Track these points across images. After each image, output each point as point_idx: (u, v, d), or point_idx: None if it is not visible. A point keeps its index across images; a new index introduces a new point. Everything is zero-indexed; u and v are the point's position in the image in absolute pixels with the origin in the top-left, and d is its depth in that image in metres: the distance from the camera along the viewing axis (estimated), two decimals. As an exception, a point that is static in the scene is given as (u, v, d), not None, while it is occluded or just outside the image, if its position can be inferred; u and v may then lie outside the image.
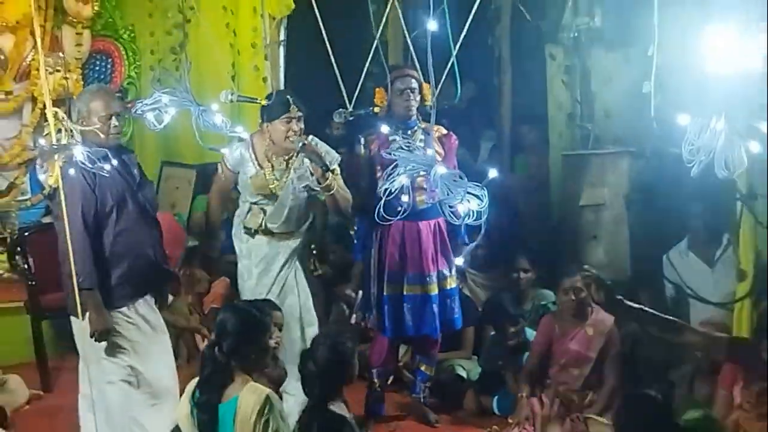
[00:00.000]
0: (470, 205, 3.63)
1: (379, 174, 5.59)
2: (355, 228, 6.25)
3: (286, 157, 5.31)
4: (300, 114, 5.20)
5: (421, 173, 3.93)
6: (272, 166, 5.29)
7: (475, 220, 3.68)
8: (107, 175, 4.74)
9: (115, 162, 4.78)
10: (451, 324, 5.76)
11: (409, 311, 5.64)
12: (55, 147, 4.48)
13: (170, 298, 6.73)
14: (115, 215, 4.84)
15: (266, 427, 3.67)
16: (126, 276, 4.88)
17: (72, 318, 4.91)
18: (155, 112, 4.95)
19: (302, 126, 5.22)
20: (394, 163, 3.93)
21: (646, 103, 6.01)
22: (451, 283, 5.74)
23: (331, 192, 5.20)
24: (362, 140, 5.66)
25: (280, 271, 5.33)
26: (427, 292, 5.62)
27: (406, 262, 5.62)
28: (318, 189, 5.25)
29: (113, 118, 4.86)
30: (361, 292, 6.15)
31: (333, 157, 5.33)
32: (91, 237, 4.73)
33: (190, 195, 8.64)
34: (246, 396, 3.72)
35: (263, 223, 5.31)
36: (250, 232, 5.36)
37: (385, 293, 5.65)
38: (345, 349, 4.14)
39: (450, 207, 3.69)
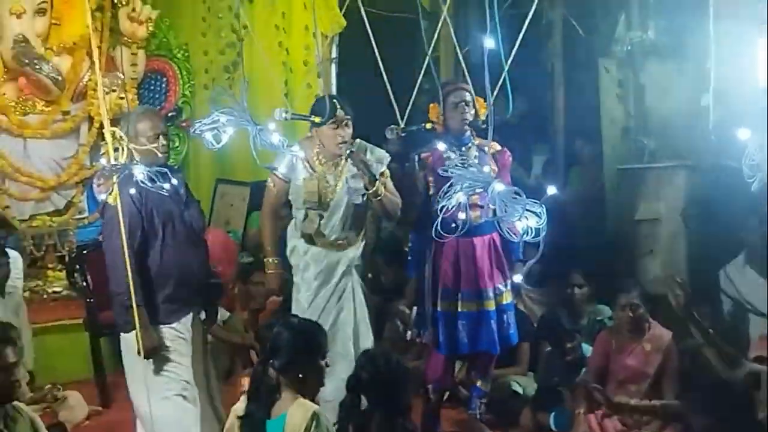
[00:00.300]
0: (528, 222, 3.60)
1: (432, 191, 5.58)
2: (409, 244, 6.24)
3: (336, 162, 5.31)
4: (348, 117, 5.19)
5: (477, 190, 3.91)
6: (324, 171, 5.29)
7: (533, 238, 3.65)
8: (165, 194, 4.80)
9: (175, 181, 4.85)
10: (506, 339, 5.72)
11: (465, 327, 5.61)
12: (116, 167, 4.54)
13: (226, 314, 6.82)
14: (161, 234, 4.89)
15: None
16: (173, 293, 4.92)
17: (121, 335, 4.97)
18: (213, 131, 4.99)
19: (350, 130, 5.21)
20: (451, 181, 3.92)
21: (703, 117, 5.97)
22: (507, 299, 5.70)
23: (379, 197, 5.20)
24: (416, 157, 5.65)
25: (339, 281, 5.32)
26: (483, 308, 5.59)
27: (461, 279, 5.60)
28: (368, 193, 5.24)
29: (160, 137, 4.94)
30: (415, 309, 6.14)
31: (382, 157, 5.33)
32: (138, 255, 4.78)
33: (245, 212, 8.71)
34: (294, 412, 3.72)
35: (320, 229, 5.30)
36: (309, 239, 5.33)
37: (439, 309, 5.62)
38: (395, 366, 4.13)
39: (508, 224, 3.67)
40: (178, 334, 4.96)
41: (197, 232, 5.13)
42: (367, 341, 5.36)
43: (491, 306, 5.60)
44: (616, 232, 7.38)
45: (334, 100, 5.22)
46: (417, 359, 6.36)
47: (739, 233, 6.17)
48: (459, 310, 5.59)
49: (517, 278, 5.59)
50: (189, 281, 4.98)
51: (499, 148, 5.74)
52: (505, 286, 5.67)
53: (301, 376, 3.80)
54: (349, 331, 5.31)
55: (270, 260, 5.44)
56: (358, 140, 5.28)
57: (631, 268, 6.78)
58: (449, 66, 8.76)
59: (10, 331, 4.41)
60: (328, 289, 5.30)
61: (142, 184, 4.68)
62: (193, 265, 5.03)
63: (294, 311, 5.30)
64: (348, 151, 5.14)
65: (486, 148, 5.66)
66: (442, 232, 4.11)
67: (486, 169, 4.26)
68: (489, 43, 3.82)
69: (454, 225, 4.20)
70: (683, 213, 6.77)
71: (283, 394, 3.79)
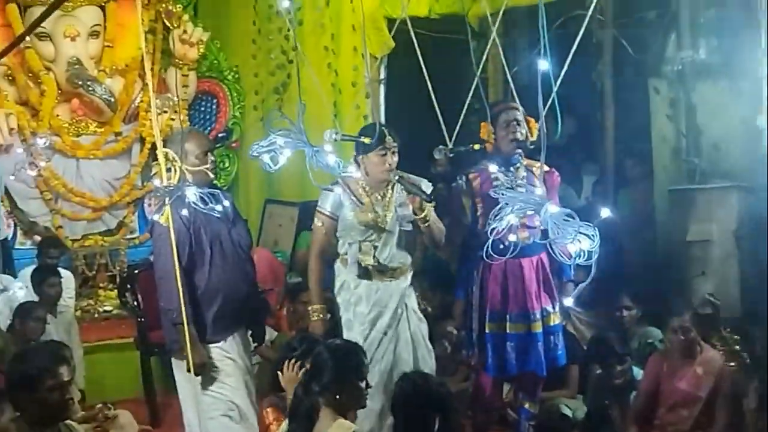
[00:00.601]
0: (581, 244, 3.57)
1: (480, 212, 5.57)
2: (456, 265, 6.22)
3: (384, 190, 5.28)
4: (395, 145, 5.16)
5: (529, 212, 3.89)
6: (371, 202, 5.25)
7: (585, 260, 3.62)
8: (217, 216, 4.85)
9: (227, 203, 4.89)
10: (554, 361, 5.68)
11: (513, 349, 5.58)
12: (169, 188, 4.59)
13: (274, 334, 6.84)
14: (209, 252, 4.94)
15: None
16: (221, 311, 4.97)
17: (173, 360, 5.01)
18: (271, 153, 5.03)
19: (396, 158, 5.18)
20: (503, 203, 3.90)
21: (756, 137, 5.89)
22: (555, 320, 5.67)
23: (428, 223, 5.17)
24: (463, 177, 5.63)
25: (393, 313, 5.25)
26: (531, 330, 5.56)
27: (509, 300, 5.57)
28: (416, 219, 5.19)
29: (209, 154, 5.00)
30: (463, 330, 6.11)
31: (427, 188, 5.28)
32: (186, 274, 4.81)
33: (293, 232, 8.74)
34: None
35: (376, 259, 5.25)
36: (365, 273, 5.26)
37: (487, 331, 5.61)
38: (435, 389, 4.10)
39: (561, 247, 3.64)
40: (225, 354, 5.00)
41: (245, 251, 5.17)
42: (427, 368, 5.28)
43: (538, 328, 5.57)
44: (667, 254, 7.29)
45: (382, 127, 5.19)
46: (465, 381, 6.32)
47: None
48: (507, 331, 5.57)
49: (568, 302, 5.54)
50: (236, 299, 5.02)
51: (547, 168, 5.70)
52: (553, 307, 5.63)
53: (338, 397, 3.80)
54: (409, 360, 5.25)
55: (316, 307, 5.31)
56: (400, 171, 5.23)
57: (682, 290, 6.68)
58: (498, 86, 8.75)
59: (63, 350, 4.46)
60: (383, 322, 5.23)
61: (194, 206, 4.73)
62: (241, 284, 5.07)
63: None
64: (397, 177, 5.12)
65: (534, 169, 5.64)
66: (492, 253, 4.09)
67: (538, 191, 4.23)
68: (542, 64, 3.80)
69: (502, 246, 4.19)
70: (736, 234, 6.67)
71: (323, 415, 3.79)
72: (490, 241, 3.92)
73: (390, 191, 5.28)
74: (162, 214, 4.65)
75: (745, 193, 6.73)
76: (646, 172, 7.87)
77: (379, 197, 5.26)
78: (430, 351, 5.38)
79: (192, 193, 4.66)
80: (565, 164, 7.89)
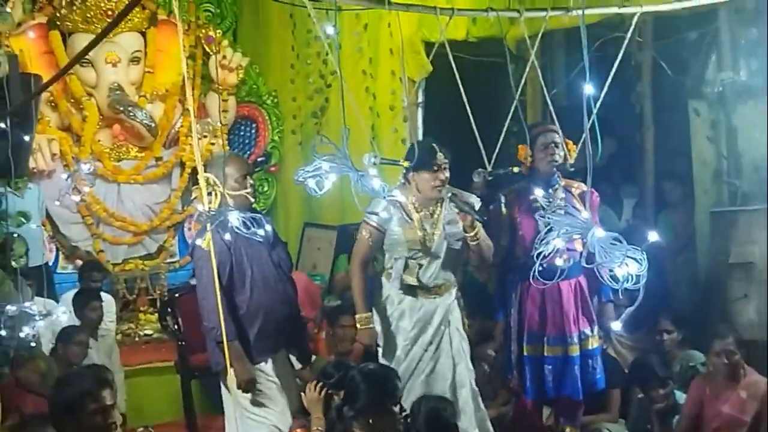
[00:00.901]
0: (629, 268, 3.55)
1: (519, 233, 5.55)
2: (494, 287, 6.20)
3: (433, 207, 5.27)
4: (446, 162, 5.16)
5: (575, 236, 3.87)
6: (420, 219, 5.24)
7: (634, 284, 3.60)
8: (258, 239, 4.87)
9: (269, 227, 4.92)
10: (593, 385, 5.63)
11: (551, 372, 5.55)
12: (212, 213, 4.62)
13: (313, 357, 6.84)
14: (250, 273, 4.96)
15: None
16: (262, 332, 4.99)
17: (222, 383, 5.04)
18: (317, 178, 5.05)
19: (448, 174, 5.17)
20: (549, 227, 3.88)
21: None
22: (593, 343, 5.63)
23: (478, 240, 5.15)
24: (502, 199, 5.62)
25: (436, 329, 5.25)
26: (569, 353, 5.53)
27: (547, 323, 5.55)
28: (466, 237, 5.17)
29: (248, 178, 5.04)
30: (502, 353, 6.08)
31: (474, 202, 5.27)
32: (227, 294, 4.84)
33: (332, 255, 8.76)
34: None
35: (420, 278, 5.24)
36: (409, 290, 5.27)
37: (525, 354, 5.59)
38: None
39: (609, 271, 3.62)
40: (266, 377, 5.01)
41: (285, 273, 5.19)
42: (465, 388, 5.26)
43: (576, 351, 5.54)
44: (708, 277, 7.22)
45: (433, 145, 5.18)
46: (505, 404, 6.28)
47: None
48: (545, 354, 5.54)
49: (616, 326, 5.48)
50: (277, 320, 5.03)
51: (585, 188, 5.68)
52: (591, 331, 5.60)
53: (372, 422, 3.79)
54: (448, 376, 5.23)
55: (363, 316, 5.31)
56: (450, 187, 5.22)
57: (725, 314, 6.60)
58: (536, 109, 8.73)
59: (105, 373, 4.49)
60: (425, 338, 5.23)
61: (237, 231, 4.74)
62: (281, 305, 5.08)
63: (388, 361, 5.23)
64: (449, 194, 5.11)
65: (573, 189, 5.62)
66: (539, 278, 4.07)
67: (584, 214, 4.20)
68: (588, 89, 3.78)
69: (541, 269, 4.16)
70: (777, 257, 6.60)
71: None
72: (536, 265, 3.90)
73: (439, 208, 5.27)
74: (204, 239, 4.68)
75: (787, 215, 6.66)
76: (686, 194, 7.81)
77: (428, 214, 5.26)
78: (470, 370, 5.35)
79: (235, 218, 4.68)
80: (605, 186, 7.87)
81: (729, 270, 6.80)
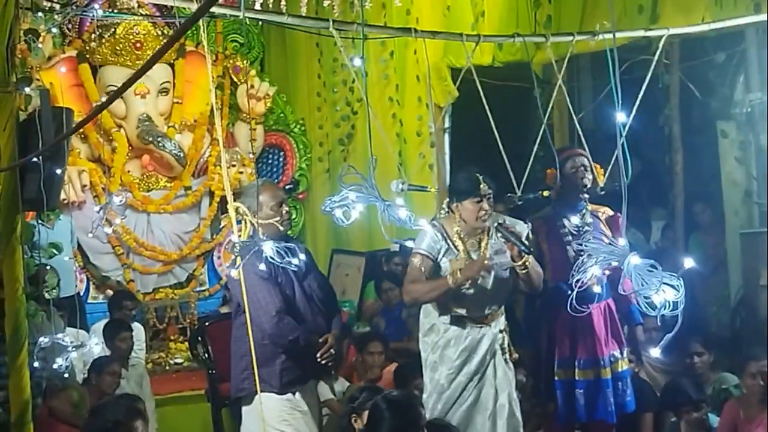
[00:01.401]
0: (666, 295, 3.53)
1: (547, 258, 5.53)
2: (522, 314, 6.17)
3: (479, 237, 5.16)
4: (490, 192, 5.06)
5: (613, 263, 3.85)
6: (467, 249, 5.13)
7: (671, 311, 3.58)
8: (294, 269, 4.87)
9: (302, 256, 4.89)
10: (623, 407, 5.58)
11: (582, 396, 5.51)
12: (246, 243, 4.63)
13: (345, 384, 6.83)
14: (282, 302, 4.95)
15: None
16: (289, 362, 4.96)
17: (243, 408, 5.03)
18: (344, 209, 5.05)
19: (492, 203, 5.08)
20: (586, 254, 3.87)
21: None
22: (623, 366, 5.59)
23: (527, 269, 5.04)
24: (529, 224, 5.59)
25: (482, 358, 5.13)
26: (600, 376, 5.49)
27: (578, 346, 5.51)
28: (514, 266, 5.07)
29: (283, 205, 5.06)
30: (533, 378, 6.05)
31: (522, 229, 5.16)
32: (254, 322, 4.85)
33: (360, 281, 8.76)
34: None
35: (468, 308, 5.13)
36: (458, 321, 5.15)
37: (556, 378, 5.55)
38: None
39: (646, 298, 3.60)
40: (294, 406, 4.99)
41: (317, 303, 5.15)
42: (507, 414, 5.16)
43: (608, 374, 5.50)
44: (741, 299, 7.18)
45: (477, 174, 5.07)
46: (537, 430, 6.24)
47: None
48: (576, 378, 5.51)
49: (655, 353, 5.42)
50: (307, 352, 5.02)
51: (611, 213, 5.66)
52: (621, 353, 5.57)
53: None
54: (489, 408, 5.12)
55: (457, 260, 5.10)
56: (497, 214, 5.16)
57: (758, 335, 6.53)
58: (563, 133, 8.74)
59: (137, 403, 4.53)
60: (470, 367, 5.11)
61: (271, 260, 4.74)
62: (312, 336, 5.06)
63: (430, 390, 5.15)
64: (496, 224, 5.02)
65: (599, 214, 5.61)
66: (576, 305, 4.05)
67: (622, 242, 4.17)
68: (620, 116, 3.77)
69: (569, 293, 4.14)
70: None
71: None
72: (574, 293, 3.88)
73: (486, 238, 5.15)
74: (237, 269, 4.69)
75: (817, 235, 6.62)
76: (716, 216, 7.78)
77: (475, 243, 5.14)
78: (514, 400, 5.23)
79: (269, 248, 4.68)
80: (634, 208, 7.84)
81: (761, 291, 6.76)
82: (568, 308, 4.01)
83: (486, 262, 4.96)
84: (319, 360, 5.08)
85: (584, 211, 5.60)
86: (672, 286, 3.41)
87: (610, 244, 3.69)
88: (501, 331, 5.23)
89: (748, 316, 6.95)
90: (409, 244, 5.20)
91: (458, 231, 5.14)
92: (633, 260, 3.49)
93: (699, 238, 8.16)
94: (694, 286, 7.73)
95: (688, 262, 3.53)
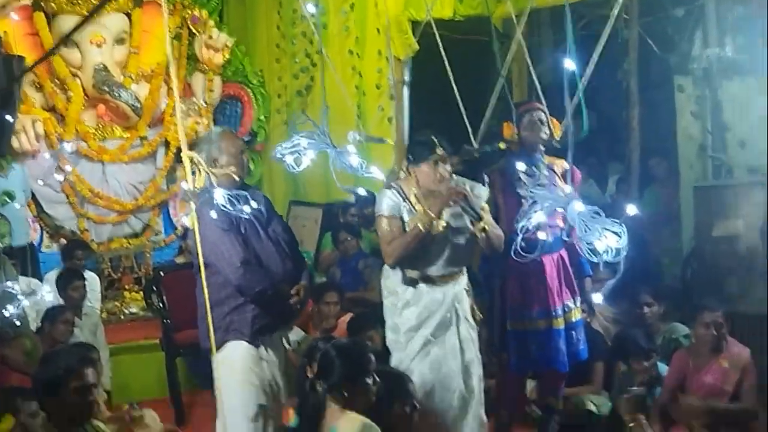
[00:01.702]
0: (608, 241, 3.56)
1: (502, 210, 5.54)
2: (479, 265, 6.18)
3: (436, 201, 4.99)
4: (446, 155, 4.96)
5: (559, 209, 3.87)
6: (425, 210, 4.98)
7: (613, 258, 3.61)
8: (246, 216, 4.85)
9: (254, 203, 4.84)
10: (576, 356, 5.63)
11: (535, 346, 5.54)
12: (198, 192, 4.60)
13: (301, 334, 6.85)
14: (247, 252, 4.92)
15: None
16: (260, 311, 4.89)
17: (214, 358, 5.01)
18: (294, 155, 5.01)
19: (449, 167, 4.98)
20: (531, 201, 3.88)
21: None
22: (576, 315, 5.63)
23: (486, 232, 4.97)
24: (485, 177, 5.58)
25: (442, 318, 5.07)
26: (553, 326, 5.52)
27: (531, 297, 5.54)
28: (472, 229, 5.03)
29: (243, 154, 5.01)
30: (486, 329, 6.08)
31: (481, 192, 5.14)
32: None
33: (317, 233, 8.76)
34: (344, 426, 3.72)
35: (424, 270, 5.05)
36: (411, 282, 5.07)
37: (509, 329, 5.59)
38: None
39: (588, 244, 3.62)
40: (260, 355, 4.95)
41: (284, 248, 5.11)
42: (475, 376, 5.18)
43: (560, 324, 5.53)
44: (692, 250, 7.26)
45: (433, 138, 4.98)
46: (490, 379, 6.30)
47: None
48: (529, 328, 5.54)
49: (597, 298, 5.49)
50: (276, 297, 4.98)
51: (568, 166, 5.66)
52: (574, 303, 5.61)
53: (347, 395, 3.81)
54: (453, 366, 5.09)
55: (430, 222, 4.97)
56: (456, 177, 5.09)
57: (710, 286, 6.62)
58: (522, 87, 8.75)
59: (90, 352, 4.50)
60: (428, 327, 5.05)
61: (222, 208, 4.70)
62: (279, 281, 5.01)
63: (393, 352, 5.13)
64: (448, 189, 4.94)
65: (555, 167, 5.62)
66: (521, 251, 4.06)
67: (568, 189, 4.18)
68: (569, 64, 3.78)
69: (523, 244, 4.15)
70: (762, 229, 6.64)
71: (331, 410, 3.80)
72: (518, 239, 3.89)
73: (444, 201, 4.99)
74: (188, 215, 4.64)
75: (771, 189, 6.70)
76: (671, 170, 7.86)
77: (433, 207, 4.98)
78: (478, 359, 5.22)
79: (220, 195, 4.64)
80: (592, 160, 7.90)
81: (713, 244, 6.85)
82: (512, 254, 4.02)
83: (456, 187, 4.91)
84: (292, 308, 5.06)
85: (540, 164, 5.61)
86: (615, 233, 3.45)
87: (554, 190, 3.71)
88: (465, 291, 5.20)
89: (699, 268, 7.04)
90: (361, 191, 5.18)
91: (416, 193, 5.03)
92: (577, 207, 3.52)
93: (654, 191, 8.23)
94: (648, 239, 7.84)
95: (632, 209, 3.57)
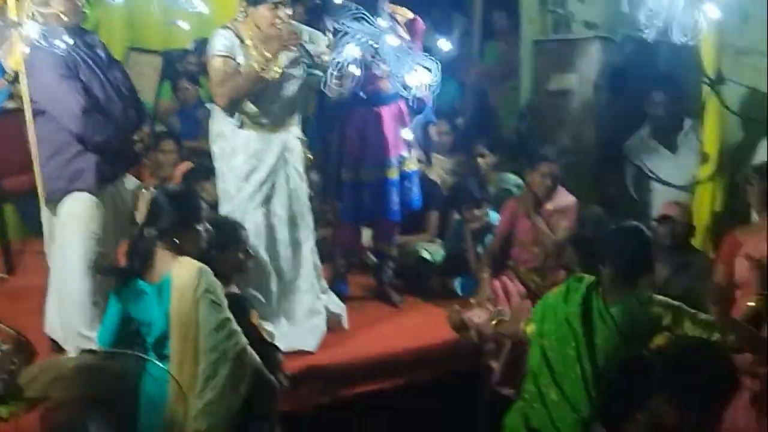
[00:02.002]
0: (420, 77, 3.55)
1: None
2: (316, 113, 6.13)
3: (273, 46, 4.81)
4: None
5: (373, 44, 3.83)
6: (261, 54, 4.82)
7: (428, 92, 3.60)
8: (85, 58, 4.64)
9: (74, 41, 4.60)
10: (409, 205, 5.73)
11: (369, 196, 5.60)
12: (7, 23, 4.36)
13: (135, 182, 6.72)
14: (88, 99, 4.71)
15: (205, 297, 3.66)
16: (103, 159, 4.75)
17: (42, 206, 4.87)
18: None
19: (289, 11, 4.82)
20: (342, 33, 3.80)
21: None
22: (410, 166, 5.70)
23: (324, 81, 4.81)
24: (328, 25, 5.45)
25: (272, 167, 5.00)
26: (387, 176, 5.58)
27: (366, 148, 5.55)
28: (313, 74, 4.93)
29: None
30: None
31: (319, 39, 5.01)
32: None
33: (156, 81, 8.49)
34: (179, 271, 3.70)
35: (255, 114, 4.94)
36: (248, 125, 4.96)
37: (343, 177, 5.62)
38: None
39: (398, 77, 3.61)
40: (94, 202, 4.81)
41: (125, 93, 4.92)
42: (305, 228, 5.19)
43: (394, 174, 5.59)
44: (529, 104, 7.38)
45: None
46: (326, 227, 6.36)
47: (644, 106, 6.29)
48: (363, 179, 5.59)
49: (407, 134, 5.48)
50: (119, 147, 4.83)
51: (411, 16, 5.62)
52: (409, 152, 5.66)
53: (177, 241, 3.78)
54: (283, 216, 5.07)
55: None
56: (294, 23, 4.95)
57: (544, 138, 6.76)
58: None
59: None
60: (258, 176, 4.98)
61: (37, 44, 4.47)
62: (122, 127, 4.84)
63: (223, 202, 5.07)
64: (285, 35, 4.77)
65: (398, 16, 5.55)
66: (333, 86, 3.95)
67: (381, 21, 4.09)
68: None
69: (365, 97, 4.04)
70: (595, 84, 6.80)
71: (161, 256, 3.77)
72: (329, 72, 3.81)
73: (281, 46, 4.83)
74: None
75: (606, 44, 6.82)
76: (513, 24, 7.89)
77: (269, 51, 4.82)
78: (308, 210, 5.23)
79: (34, 30, 4.39)
80: (437, 12, 7.86)
81: (549, 97, 6.99)
82: (323, 88, 3.92)
83: (292, 30, 4.79)
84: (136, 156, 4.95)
85: (381, 10, 5.52)
86: (426, 68, 3.45)
87: (367, 24, 3.66)
88: (297, 140, 5.15)
89: (533, 120, 7.19)
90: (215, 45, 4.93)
91: (252, 36, 4.88)
92: (390, 40, 3.48)
93: (494, 46, 8.29)
94: (486, 92, 7.94)
95: (444, 44, 3.55)
